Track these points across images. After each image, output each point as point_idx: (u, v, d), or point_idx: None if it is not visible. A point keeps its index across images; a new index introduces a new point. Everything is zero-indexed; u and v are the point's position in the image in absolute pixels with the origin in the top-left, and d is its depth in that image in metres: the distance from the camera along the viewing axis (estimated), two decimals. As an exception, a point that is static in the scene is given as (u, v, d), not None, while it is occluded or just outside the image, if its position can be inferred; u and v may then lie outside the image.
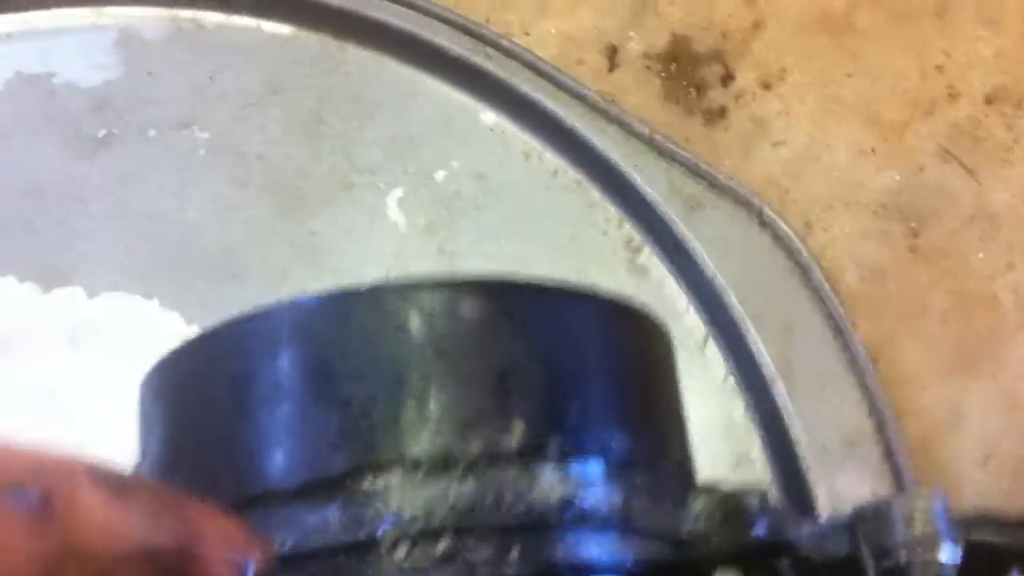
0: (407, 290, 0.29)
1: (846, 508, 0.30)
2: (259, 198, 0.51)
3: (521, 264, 0.48)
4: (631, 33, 0.54)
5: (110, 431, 0.46)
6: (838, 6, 0.54)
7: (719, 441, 0.42)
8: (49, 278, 0.50)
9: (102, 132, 0.53)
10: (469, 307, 0.29)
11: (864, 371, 0.42)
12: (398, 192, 0.51)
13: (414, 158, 0.52)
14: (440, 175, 0.51)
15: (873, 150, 0.50)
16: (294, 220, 0.50)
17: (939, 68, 0.53)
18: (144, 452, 0.32)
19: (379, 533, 0.26)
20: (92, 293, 0.49)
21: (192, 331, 0.48)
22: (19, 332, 0.49)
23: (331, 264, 0.49)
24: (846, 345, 0.42)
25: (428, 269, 0.49)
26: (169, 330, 0.49)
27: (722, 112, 0.52)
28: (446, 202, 0.51)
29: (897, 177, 0.49)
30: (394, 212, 0.51)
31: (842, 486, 0.39)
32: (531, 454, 0.27)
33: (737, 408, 0.44)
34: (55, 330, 0.49)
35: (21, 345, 0.48)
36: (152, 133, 0.53)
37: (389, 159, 0.52)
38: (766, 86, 0.53)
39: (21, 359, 0.48)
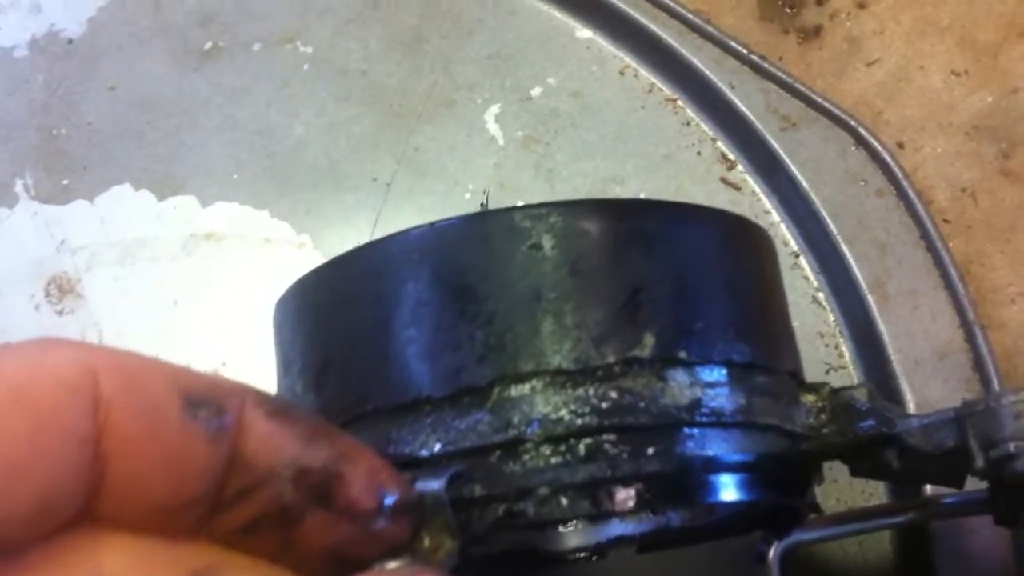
0: (541, 212, 0.30)
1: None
2: (362, 114, 0.53)
3: (617, 181, 0.50)
4: (726, -49, 0.54)
5: (228, 336, 0.48)
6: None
7: (810, 350, 0.44)
8: (163, 187, 0.52)
9: (208, 44, 0.55)
10: (600, 226, 0.30)
11: (955, 286, 0.43)
12: (495, 108, 0.52)
13: (512, 75, 0.53)
14: (537, 91, 0.53)
15: (966, 72, 0.50)
16: (397, 135, 0.52)
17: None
18: (288, 366, 0.34)
19: (527, 434, 0.29)
20: (205, 203, 0.52)
21: (302, 240, 0.51)
22: (137, 241, 0.51)
23: (433, 177, 0.51)
24: (938, 261, 0.43)
25: (526, 184, 0.50)
26: (280, 239, 0.51)
27: (817, 31, 0.53)
28: (543, 118, 0.52)
29: (990, 99, 0.49)
30: (492, 128, 0.52)
31: (933, 395, 0.41)
32: (662, 362, 0.29)
33: (827, 319, 0.46)
34: (170, 238, 0.51)
35: (141, 253, 0.51)
36: (257, 47, 0.54)
37: (487, 76, 0.53)
38: (861, 5, 0.53)
39: (141, 267, 0.50)
